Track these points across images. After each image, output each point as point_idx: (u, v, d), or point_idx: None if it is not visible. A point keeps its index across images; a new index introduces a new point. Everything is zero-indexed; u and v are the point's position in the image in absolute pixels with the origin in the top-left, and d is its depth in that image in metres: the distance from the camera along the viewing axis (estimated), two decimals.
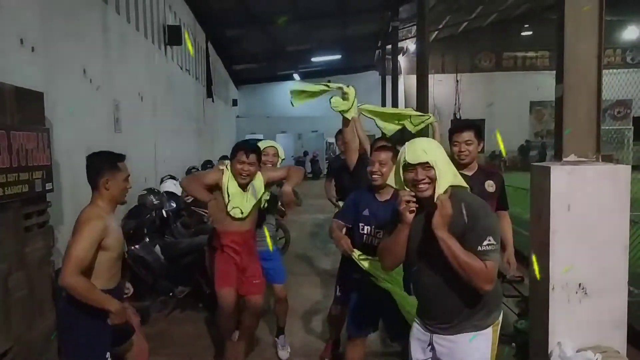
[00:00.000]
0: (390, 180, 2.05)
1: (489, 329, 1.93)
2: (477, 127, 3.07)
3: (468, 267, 1.79)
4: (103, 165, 2.62)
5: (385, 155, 2.71)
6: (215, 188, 3.30)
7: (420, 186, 1.89)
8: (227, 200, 3.26)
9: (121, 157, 2.70)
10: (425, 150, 1.89)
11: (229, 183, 3.29)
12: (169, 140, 8.86)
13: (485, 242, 1.82)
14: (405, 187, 1.93)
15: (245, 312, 3.51)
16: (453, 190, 1.92)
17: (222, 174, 3.31)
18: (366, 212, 2.76)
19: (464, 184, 1.98)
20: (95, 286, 2.42)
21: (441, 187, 1.86)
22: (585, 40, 2.82)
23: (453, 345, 1.93)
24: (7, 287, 2.90)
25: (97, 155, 2.69)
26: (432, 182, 1.87)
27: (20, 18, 3.78)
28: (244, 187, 3.31)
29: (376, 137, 4.17)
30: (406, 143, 1.96)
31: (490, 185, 3.05)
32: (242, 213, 3.28)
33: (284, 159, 4.07)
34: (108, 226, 2.53)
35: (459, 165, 2.91)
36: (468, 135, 2.98)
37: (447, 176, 1.89)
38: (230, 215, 3.26)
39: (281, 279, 3.81)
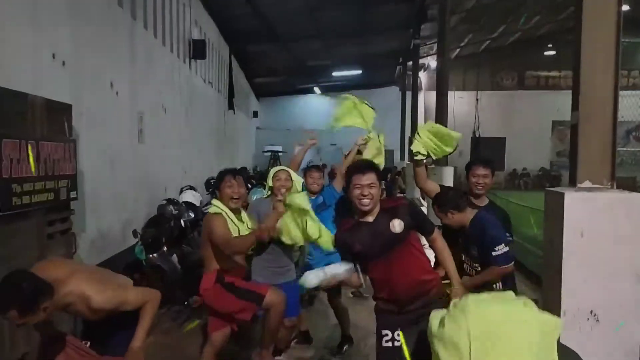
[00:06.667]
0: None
1: None
2: (378, 168, 2.70)
3: None
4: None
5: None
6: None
7: None
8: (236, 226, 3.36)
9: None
10: None
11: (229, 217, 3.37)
12: (190, 151, 9.04)
13: None
14: None
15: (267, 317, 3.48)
16: None
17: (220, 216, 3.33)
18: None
19: None
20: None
21: None
22: (602, 69, 2.84)
23: None
24: None
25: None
26: None
27: (54, 34, 3.96)
28: (236, 213, 3.41)
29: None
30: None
31: (397, 225, 2.57)
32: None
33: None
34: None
35: (361, 213, 2.60)
36: (370, 177, 2.55)
37: None
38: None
39: (293, 313, 3.70)
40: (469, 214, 3.01)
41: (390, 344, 2.61)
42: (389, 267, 2.58)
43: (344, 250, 2.72)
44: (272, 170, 3.69)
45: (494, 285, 2.93)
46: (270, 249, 3.53)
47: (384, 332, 2.64)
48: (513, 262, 2.92)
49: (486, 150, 19.56)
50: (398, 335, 2.59)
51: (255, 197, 4.90)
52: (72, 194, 3.75)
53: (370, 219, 2.60)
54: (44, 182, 3.31)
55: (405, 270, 2.61)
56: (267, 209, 3.45)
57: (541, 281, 3.36)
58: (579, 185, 2.87)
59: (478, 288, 2.87)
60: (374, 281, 2.70)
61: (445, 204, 3.04)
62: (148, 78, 6.50)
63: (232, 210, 3.35)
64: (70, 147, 3.69)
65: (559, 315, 2.72)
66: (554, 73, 23.71)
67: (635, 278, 2.70)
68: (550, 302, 2.87)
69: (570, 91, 3.03)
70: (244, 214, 3.50)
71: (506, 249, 2.84)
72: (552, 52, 22.51)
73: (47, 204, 3.38)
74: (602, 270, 2.70)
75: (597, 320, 2.70)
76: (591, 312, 2.70)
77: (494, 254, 2.82)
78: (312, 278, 2.72)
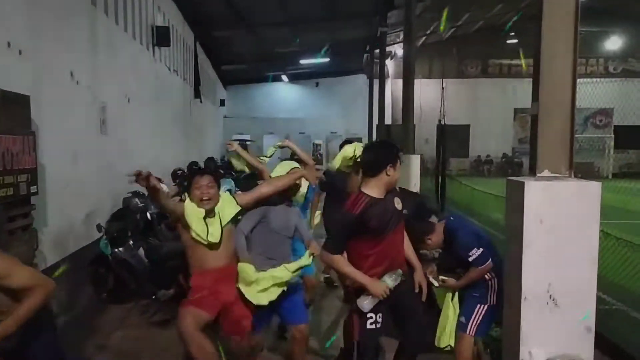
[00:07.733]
0: None
1: None
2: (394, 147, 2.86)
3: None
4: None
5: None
6: (180, 223, 2.98)
7: None
8: (192, 226, 2.91)
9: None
10: None
11: (192, 212, 2.95)
12: (156, 142, 8.85)
13: None
14: None
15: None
16: None
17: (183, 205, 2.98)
18: None
19: None
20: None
21: None
22: (561, 61, 2.93)
23: None
24: None
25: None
26: None
27: (8, 21, 3.79)
28: (209, 214, 2.98)
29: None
30: None
31: (399, 203, 2.83)
32: (212, 236, 2.92)
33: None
34: None
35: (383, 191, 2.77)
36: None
37: None
38: (202, 245, 2.94)
39: (302, 318, 3.21)
40: (439, 228, 3.16)
41: (374, 326, 2.74)
42: (392, 242, 2.75)
43: (356, 228, 2.66)
44: (286, 164, 3.52)
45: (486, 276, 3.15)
46: (262, 239, 3.13)
47: (369, 314, 2.74)
48: (491, 260, 3.10)
49: (451, 138, 19.87)
50: (380, 317, 2.76)
51: (224, 188, 4.83)
52: (33, 189, 3.64)
53: (382, 195, 2.76)
54: (2, 176, 3.19)
55: (401, 245, 2.88)
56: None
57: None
58: (538, 174, 2.98)
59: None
60: (368, 259, 2.70)
61: (417, 234, 3.07)
62: (110, 67, 6.30)
63: (205, 211, 2.96)
64: (30, 139, 3.57)
65: (520, 300, 2.84)
66: (515, 61, 24.26)
67: (591, 262, 2.83)
68: (512, 286, 2.98)
69: (531, 79, 3.13)
70: (219, 215, 3.02)
71: (480, 250, 3.04)
72: (515, 41, 23.02)
73: (7, 200, 3.27)
74: (560, 256, 2.81)
75: (556, 304, 2.82)
76: (550, 296, 2.82)
77: (470, 259, 3.06)
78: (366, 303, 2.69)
